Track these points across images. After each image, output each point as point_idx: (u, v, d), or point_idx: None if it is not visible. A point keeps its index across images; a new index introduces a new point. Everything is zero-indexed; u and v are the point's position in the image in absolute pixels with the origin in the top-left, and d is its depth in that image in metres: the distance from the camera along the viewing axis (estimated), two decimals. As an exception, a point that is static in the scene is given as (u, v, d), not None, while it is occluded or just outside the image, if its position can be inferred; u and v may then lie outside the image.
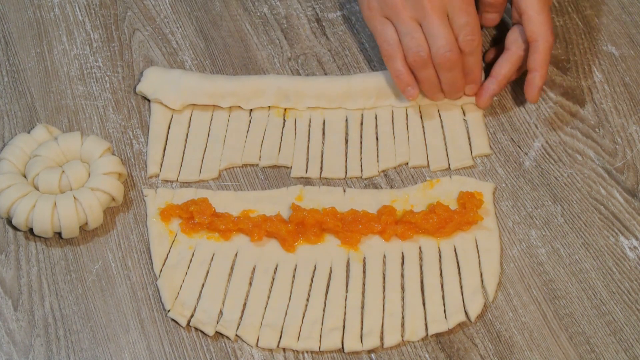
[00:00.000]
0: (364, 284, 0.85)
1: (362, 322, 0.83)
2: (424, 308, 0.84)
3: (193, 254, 0.86)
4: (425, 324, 0.83)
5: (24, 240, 0.87)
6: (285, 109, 0.94)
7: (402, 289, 0.85)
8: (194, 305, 0.84)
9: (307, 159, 0.92)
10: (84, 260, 0.86)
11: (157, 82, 0.93)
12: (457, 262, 0.86)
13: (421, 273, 0.86)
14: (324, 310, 0.84)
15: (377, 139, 0.93)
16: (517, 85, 0.96)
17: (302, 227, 0.87)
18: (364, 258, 0.86)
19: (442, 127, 0.94)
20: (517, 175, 0.91)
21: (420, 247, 0.87)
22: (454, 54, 0.87)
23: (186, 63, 0.97)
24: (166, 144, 0.92)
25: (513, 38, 0.92)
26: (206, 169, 0.91)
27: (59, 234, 0.86)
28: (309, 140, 0.93)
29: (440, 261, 0.86)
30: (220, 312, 0.83)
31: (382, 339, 0.83)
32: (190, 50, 0.98)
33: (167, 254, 0.86)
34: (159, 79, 0.93)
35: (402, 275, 0.86)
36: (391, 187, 0.91)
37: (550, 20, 0.90)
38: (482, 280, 0.85)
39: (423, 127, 0.94)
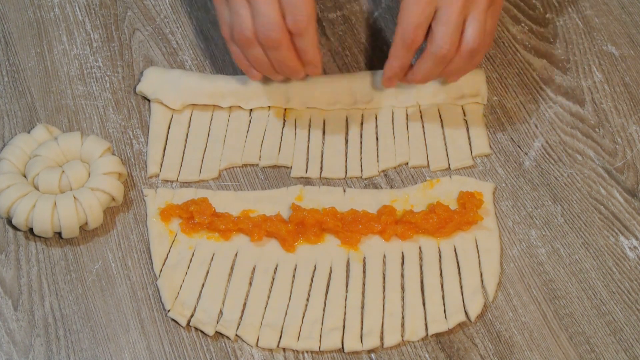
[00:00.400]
0: (364, 284, 0.85)
1: (362, 322, 0.83)
2: (424, 308, 0.84)
3: (193, 254, 0.86)
4: (425, 324, 0.83)
5: (24, 240, 0.87)
6: (285, 109, 0.94)
7: (402, 289, 0.85)
8: (194, 305, 0.84)
9: (307, 159, 0.92)
10: (84, 260, 0.86)
11: (157, 82, 0.93)
12: (457, 262, 0.86)
13: (421, 273, 0.86)
14: (324, 310, 0.84)
15: (377, 139, 0.93)
16: (517, 85, 0.97)
17: (302, 227, 0.87)
18: (364, 258, 0.86)
19: (442, 127, 0.94)
20: (517, 175, 0.91)
21: (420, 247, 0.87)
22: (277, 33, 0.83)
23: (186, 63, 0.97)
24: (166, 144, 0.92)
25: None
26: (206, 169, 0.91)
27: (59, 234, 0.86)
28: (309, 140, 0.93)
29: (440, 261, 0.86)
30: (220, 312, 0.83)
31: (382, 339, 0.83)
32: (190, 50, 0.98)
33: (167, 254, 0.86)
34: (159, 79, 0.93)
35: (402, 275, 0.86)
36: (391, 187, 0.91)
37: (417, 16, 0.82)
38: (482, 280, 0.85)
39: (423, 127, 0.94)
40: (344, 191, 0.90)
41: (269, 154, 0.92)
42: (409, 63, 0.86)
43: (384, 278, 0.86)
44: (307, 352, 0.82)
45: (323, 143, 0.93)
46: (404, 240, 0.87)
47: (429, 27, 0.84)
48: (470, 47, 0.84)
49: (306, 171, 0.91)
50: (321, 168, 0.92)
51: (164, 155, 0.91)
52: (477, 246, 0.87)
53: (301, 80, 0.93)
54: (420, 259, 0.87)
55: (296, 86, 0.93)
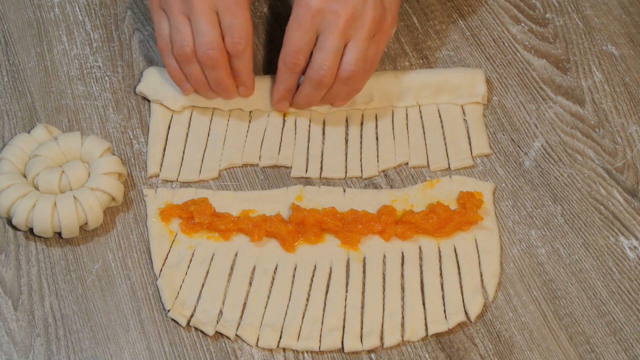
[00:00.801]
0: (364, 284, 0.85)
1: (362, 322, 0.83)
2: (424, 308, 0.84)
3: (193, 253, 0.86)
4: (425, 324, 0.83)
5: (24, 240, 0.87)
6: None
7: (402, 289, 0.85)
8: (194, 305, 0.84)
9: (307, 159, 0.92)
10: (84, 260, 0.86)
11: (157, 82, 0.93)
12: (457, 262, 0.86)
13: (421, 273, 0.86)
14: (323, 310, 0.84)
15: (377, 139, 0.93)
16: (517, 85, 0.97)
17: (302, 227, 0.87)
18: (364, 258, 0.86)
19: (442, 127, 0.94)
20: (517, 175, 0.91)
21: (420, 247, 0.87)
22: (215, 52, 0.85)
23: (186, 63, 0.97)
24: (166, 144, 0.92)
25: None
26: (206, 169, 0.91)
27: (59, 234, 0.86)
28: (309, 140, 0.93)
29: (440, 261, 0.86)
30: (220, 312, 0.83)
31: (382, 339, 0.83)
32: (190, 50, 0.98)
33: (167, 254, 0.86)
34: (159, 79, 0.93)
35: (402, 275, 0.86)
36: (391, 187, 0.91)
37: (297, 41, 0.86)
38: (482, 280, 0.85)
39: (423, 127, 0.94)
40: (344, 191, 0.90)
41: (269, 154, 0.92)
42: (293, 86, 0.89)
43: (384, 278, 0.86)
44: (307, 352, 0.82)
45: (323, 143, 0.93)
46: (404, 240, 0.87)
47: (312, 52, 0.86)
48: (347, 73, 0.86)
49: (306, 171, 0.91)
50: (321, 168, 0.92)
51: (164, 156, 0.91)
52: (477, 246, 0.87)
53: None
54: (420, 259, 0.87)
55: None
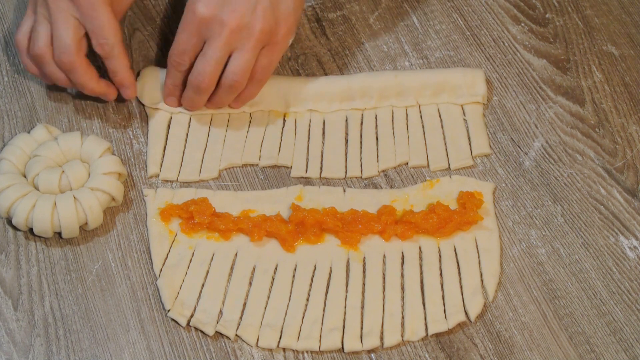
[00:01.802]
0: (363, 284, 0.85)
1: (362, 322, 0.83)
2: (424, 308, 0.84)
3: (193, 253, 0.86)
4: (425, 324, 0.83)
5: (24, 240, 0.87)
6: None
7: (402, 288, 0.85)
8: (193, 305, 0.84)
9: (307, 158, 0.92)
10: (84, 260, 0.86)
11: (153, 87, 0.93)
12: (457, 262, 0.86)
13: (421, 273, 0.86)
14: (323, 310, 0.84)
15: (377, 139, 0.93)
16: (517, 85, 0.97)
17: (302, 227, 0.87)
18: (364, 258, 0.86)
19: (442, 127, 0.94)
20: (517, 175, 0.91)
21: (420, 247, 0.87)
22: (67, 56, 0.86)
23: (186, 63, 0.97)
24: (166, 144, 0.92)
25: None
26: (206, 169, 0.91)
27: (59, 234, 0.86)
28: (309, 140, 0.93)
29: (440, 261, 0.86)
30: (220, 312, 0.83)
31: (382, 338, 0.83)
32: (190, 50, 0.98)
33: (167, 254, 0.86)
34: (155, 84, 0.93)
35: (402, 275, 0.86)
36: (391, 187, 0.91)
37: (182, 43, 0.87)
38: (482, 280, 0.85)
39: (423, 127, 0.94)
40: (344, 191, 0.90)
41: (269, 154, 0.92)
42: (180, 83, 0.90)
43: (383, 278, 0.86)
44: (307, 352, 0.82)
45: (323, 143, 0.93)
46: (404, 240, 0.87)
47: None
48: (230, 82, 0.87)
49: (306, 171, 0.91)
50: (321, 168, 0.92)
51: (164, 156, 0.91)
52: (477, 246, 0.87)
53: (301, 83, 0.93)
54: (420, 259, 0.87)
55: (295, 88, 0.93)
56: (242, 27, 0.85)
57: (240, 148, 0.92)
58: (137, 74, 0.95)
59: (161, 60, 0.97)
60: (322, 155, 0.92)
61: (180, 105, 0.93)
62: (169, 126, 0.93)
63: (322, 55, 0.98)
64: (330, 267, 0.86)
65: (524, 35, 1.00)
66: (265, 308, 0.84)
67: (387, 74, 0.94)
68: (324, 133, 0.94)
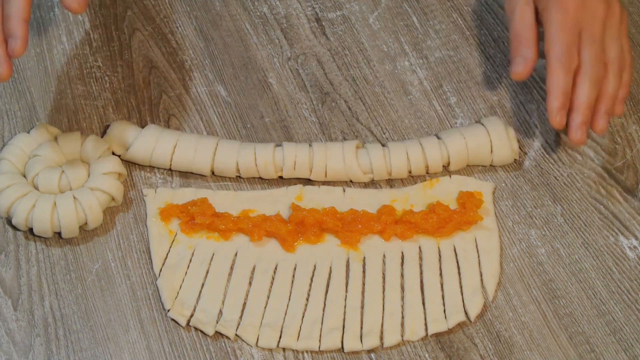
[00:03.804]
0: (363, 284, 0.85)
1: (361, 321, 0.83)
2: (424, 308, 0.84)
3: (193, 253, 0.86)
4: (425, 324, 0.83)
5: (23, 240, 0.87)
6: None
7: (402, 288, 0.85)
8: (193, 305, 0.84)
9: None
10: (84, 260, 0.86)
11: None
12: (457, 262, 0.86)
13: (421, 273, 0.86)
14: (323, 310, 0.84)
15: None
16: (517, 86, 0.96)
17: (302, 227, 0.87)
18: (364, 258, 0.86)
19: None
20: (517, 175, 0.91)
21: (420, 247, 0.87)
22: None
23: (186, 63, 0.97)
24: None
25: None
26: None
27: (59, 233, 0.86)
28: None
29: (440, 261, 0.86)
30: (220, 312, 0.83)
31: (381, 338, 0.83)
32: (190, 50, 0.98)
33: (167, 254, 0.86)
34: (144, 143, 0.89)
35: (402, 275, 0.86)
36: (391, 187, 0.91)
37: (567, 36, 0.84)
38: (481, 280, 0.85)
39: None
40: (344, 191, 0.90)
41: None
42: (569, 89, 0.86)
43: (383, 278, 0.86)
44: (307, 352, 0.82)
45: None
46: (403, 240, 0.87)
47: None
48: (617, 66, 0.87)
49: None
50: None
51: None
52: (476, 246, 0.87)
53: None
54: (420, 258, 0.87)
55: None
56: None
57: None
58: (138, 76, 0.95)
59: (161, 60, 0.97)
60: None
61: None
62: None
63: (322, 55, 0.98)
64: (330, 267, 0.86)
65: (524, 35, 1.00)
66: (265, 308, 0.84)
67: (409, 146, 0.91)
68: (324, 134, 0.94)
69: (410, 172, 0.90)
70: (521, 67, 0.85)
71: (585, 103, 0.85)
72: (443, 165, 0.90)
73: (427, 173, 0.90)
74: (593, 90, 0.85)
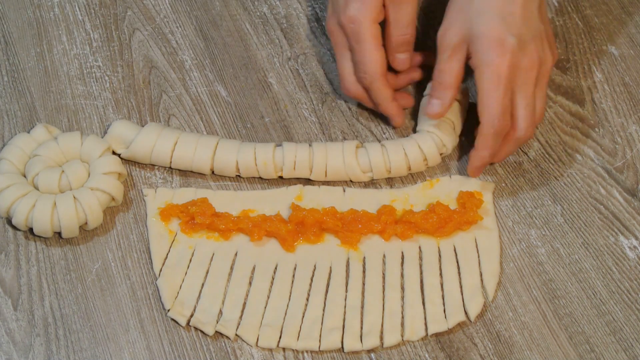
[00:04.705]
0: (363, 284, 0.85)
1: (361, 321, 0.83)
2: (424, 308, 0.84)
3: (193, 253, 0.86)
4: (425, 324, 0.83)
5: (23, 240, 0.87)
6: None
7: (402, 288, 0.85)
8: (193, 305, 0.84)
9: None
10: (84, 260, 0.86)
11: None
12: (457, 262, 0.86)
13: (421, 273, 0.86)
14: (323, 310, 0.84)
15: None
16: (517, 85, 0.97)
17: (302, 227, 0.87)
18: (364, 258, 0.86)
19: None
20: (517, 175, 0.91)
21: (420, 247, 0.87)
22: (369, 75, 0.88)
23: (186, 63, 0.97)
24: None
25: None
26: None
27: (59, 233, 0.86)
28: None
29: (440, 261, 0.86)
30: (220, 312, 0.83)
31: (381, 338, 0.83)
32: (190, 50, 0.98)
33: (167, 254, 0.86)
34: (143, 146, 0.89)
35: (402, 275, 0.86)
36: (391, 187, 0.91)
37: (500, 103, 0.83)
38: (481, 280, 0.85)
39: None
40: (344, 191, 0.90)
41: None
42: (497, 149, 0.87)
43: (383, 278, 0.86)
44: (306, 351, 0.82)
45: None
46: (403, 240, 0.87)
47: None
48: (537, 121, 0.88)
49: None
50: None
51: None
52: (476, 246, 0.87)
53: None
54: (420, 258, 0.87)
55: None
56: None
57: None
58: (142, 78, 0.95)
59: (161, 60, 0.97)
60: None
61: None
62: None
63: (322, 55, 0.98)
64: (330, 267, 0.86)
65: (524, 35, 1.00)
66: (265, 308, 0.84)
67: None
68: (324, 133, 0.94)
69: (409, 168, 0.90)
70: (437, 109, 0.87)
71: (503, 158, 0.89)
72: (441, 154, 0.90)
73: (427, 167, 0.90)
74: (515, 148, 0.88)
